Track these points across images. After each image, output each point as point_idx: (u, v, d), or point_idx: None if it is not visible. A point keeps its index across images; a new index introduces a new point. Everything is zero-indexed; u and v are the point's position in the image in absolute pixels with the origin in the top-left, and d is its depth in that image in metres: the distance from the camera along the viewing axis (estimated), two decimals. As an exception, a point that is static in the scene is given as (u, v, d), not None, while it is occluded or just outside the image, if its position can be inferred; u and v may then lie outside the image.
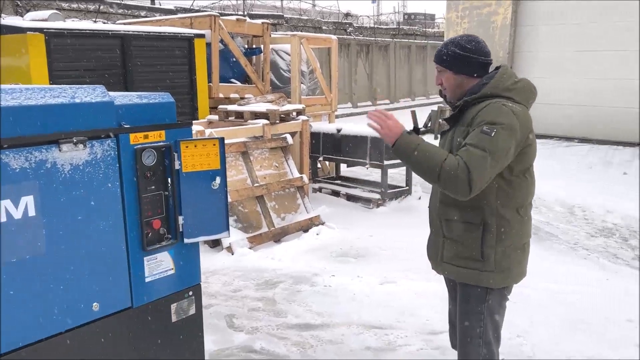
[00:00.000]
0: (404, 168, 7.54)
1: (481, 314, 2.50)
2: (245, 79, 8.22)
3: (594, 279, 4.91)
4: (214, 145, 2.48)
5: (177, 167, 2.40)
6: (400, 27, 29.88)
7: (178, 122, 2.48)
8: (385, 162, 7.09)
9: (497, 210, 2.38)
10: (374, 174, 8.91)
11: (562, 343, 3.70)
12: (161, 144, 2.36)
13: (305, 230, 6.17)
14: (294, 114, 7.03)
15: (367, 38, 24.34)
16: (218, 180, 2.49)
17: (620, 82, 11.07)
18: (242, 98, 7.65)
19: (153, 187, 2.37)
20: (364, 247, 5.72)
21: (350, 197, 7.58)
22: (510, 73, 2.46)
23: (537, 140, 2.48)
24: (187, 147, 2.42)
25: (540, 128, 8.67)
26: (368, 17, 31.83)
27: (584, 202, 7.36)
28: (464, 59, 2.45)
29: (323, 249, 5.67)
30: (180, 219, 2.44)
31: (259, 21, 8.16)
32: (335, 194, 7.76)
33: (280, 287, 4.69)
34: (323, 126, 8.06)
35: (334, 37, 9.09)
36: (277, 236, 5.97)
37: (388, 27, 29.51)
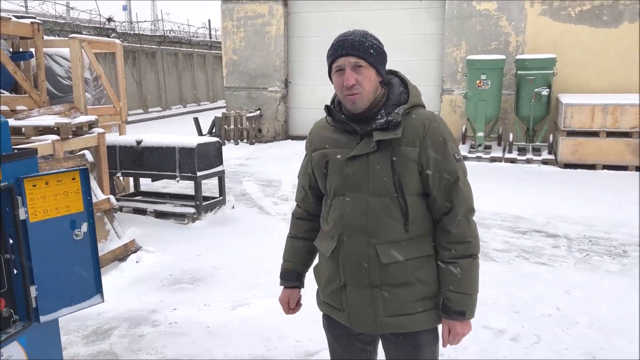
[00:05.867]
0: (216, 177, 7.06)
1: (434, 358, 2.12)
2: (14, 88, 6.90)
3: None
4: (74, 179, 1.81)
5: (22, 216, 1.69)
6: (166, 34, 28.72)
7: (14, 151, 1.76)
8: (199, 173, 6.54)
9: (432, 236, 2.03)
10: (172, 185, 8.31)
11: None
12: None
13: (122, 260, 5.34)
14: (87, 127, 6.07)
15: (133, 45, 22.84)
16: (84, 227, 1.82)
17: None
18: (13, 111, 6.39)
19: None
20: (196, 269, 5.14)
21: (159, 214, 6.85)
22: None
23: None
24: (34, 185, 1.72)
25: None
26: (131, 23, 30.03)
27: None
28: (385, 59, 1.97)
29: (151, 278, 4.94)
30: (33, 290, 1.73)
31: (28, 21, 6.93)
32: (141, 212, 6.94)
33: (115, 334, 3.90)
34: (118, 138, 7.16)
35: (117, 41, 8.15)
36: (89, 271, 5.06)
37: (154, 34, 28.17)
